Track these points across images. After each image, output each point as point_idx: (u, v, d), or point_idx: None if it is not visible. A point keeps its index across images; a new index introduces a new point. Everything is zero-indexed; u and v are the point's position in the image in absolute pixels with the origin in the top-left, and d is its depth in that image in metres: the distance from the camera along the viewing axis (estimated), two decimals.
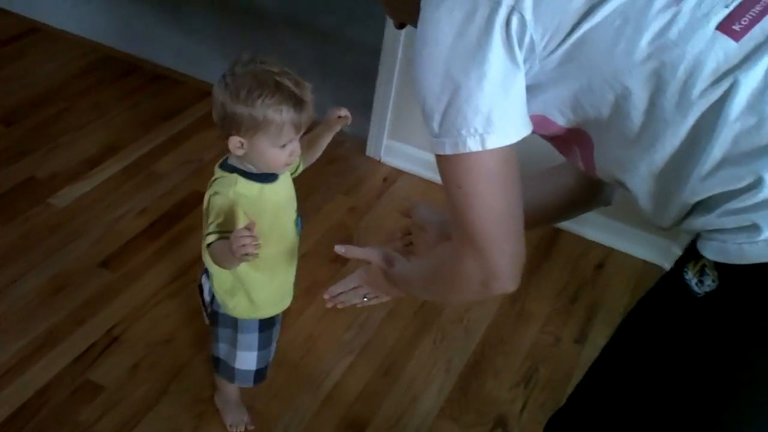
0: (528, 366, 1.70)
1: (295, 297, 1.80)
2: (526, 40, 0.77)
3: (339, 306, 1.18)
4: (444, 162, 0.82)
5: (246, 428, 1.49)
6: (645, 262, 2.02)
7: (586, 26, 0.76)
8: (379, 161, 2.28)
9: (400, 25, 1.02)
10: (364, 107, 2.33)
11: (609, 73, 0.77)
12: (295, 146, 1.15)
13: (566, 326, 1.80)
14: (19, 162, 2.08)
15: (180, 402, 1.53)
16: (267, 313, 1.34)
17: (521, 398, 1.63)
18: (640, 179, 0.81)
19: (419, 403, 1.59)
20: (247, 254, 1.05)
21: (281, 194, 1.24)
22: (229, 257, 1.09)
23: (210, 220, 1.15)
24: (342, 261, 1.92)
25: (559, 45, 0.78)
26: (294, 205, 1.29)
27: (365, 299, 1.16)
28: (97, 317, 1.68)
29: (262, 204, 1.19)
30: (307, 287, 1.79)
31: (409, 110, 2.19)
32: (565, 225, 2.11)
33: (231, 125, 1.12)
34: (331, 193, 2.13)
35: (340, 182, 2.18)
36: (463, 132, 0.78)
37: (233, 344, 1.36)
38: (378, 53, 2.18)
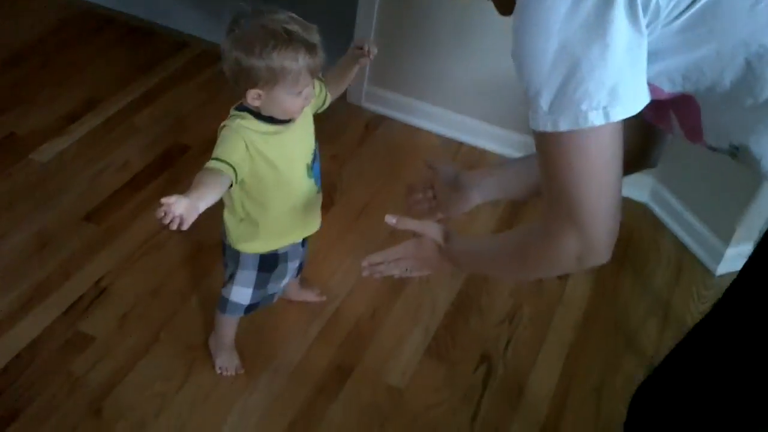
0: (512, 304, 1.74)
1: None
2: (652, 4, 0.74)
3: (376, 276, 1.15)
4: (553, 139, 0.79)
5: (236, 372, 1.51)
6: (627, 199, 2.03)
7: None
8: (360, 107, 2.27)
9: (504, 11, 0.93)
10: (342, 53, 2.31)
11: (745, 33, 0.74)
12: (310, 90, 1.18)
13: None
14: None
15: (171, 349, 1.55)
16: (266, 246, 1.35)
17: (505, 335, 1.67)
18: None
19: (406, 343, 1.62)
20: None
21: (291, 137, 1.25)
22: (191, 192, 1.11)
23: (214, 149, 1.19)
24: (326, 208, 1.93)
25: (687, 8, 0.75)
26: (309, 148, 1.30)
27: (406, 272, 1.14)
28: (84, 270, 1.69)
29: (268, 140, 1.21)
30: None
31: (389, 56, 2.17)
32: None
33: (247, 79, 1.15)
34: None
35: (322, 129, 2.13)
36: (584, 107, 0.76)
37: (232, 279, 1.39)
38: (355, 2, 2.15)
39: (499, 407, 1.53)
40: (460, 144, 2.17)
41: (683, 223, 1.95)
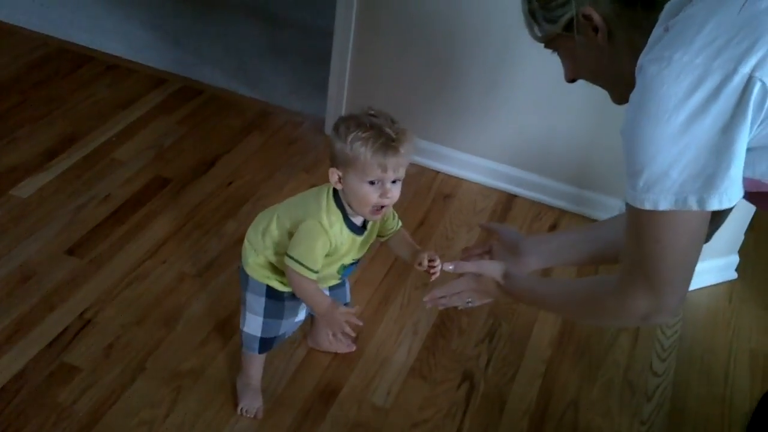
0: (491, 323, 1.79)
1: None
2: (766, 104, 0.78)
3: (440, 307, 1.24)
4: (649, 216, 0.85)
5: (256, 415, 1.51)
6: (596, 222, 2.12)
7: None
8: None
9: (572, 80, 1.04)
10: (320, 88, 2.38)
11: None
12: (388, 190, 1.21)
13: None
14: None
15: (157, 378, 1.56)
16: (275, 284, 1.39)
17: (486, 353, 1.72)
18: None
19: (390, 364, 1.66)
20: (343, 332, 1.26)
21: (350, 245, 1.31)
22: (318, 307, 1.30)
23: (305, 244, 1.26)
24: None
25: None
26: (355, 256, 1.35)
27: (468, 303, 1.23)
28: (68, 302, 1.70)
29: (337, 243, 1.28)
30: None
31: (364, 89, 2.24)
32: (519, 190, 2.20)
33: (333, 160, 1.22)
34: (292, 171, 2.17)
35: (301, 161, 2.23)
36: (684, 191, 0.81)
37: (244, 305, 1.42)
38: (330, 35, 2.23)
39: (481, 423, 1.57)
40: (437, 173, 2.25)
41: None
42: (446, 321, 1.78)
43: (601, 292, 1.01)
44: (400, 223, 1.39)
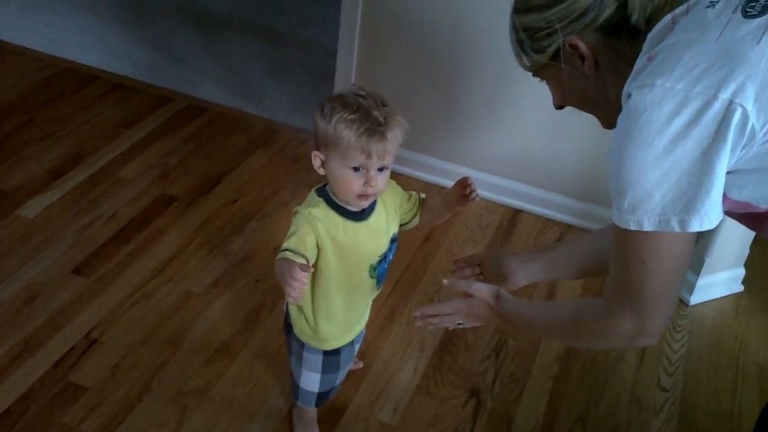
0: (497, 339, 1.78)
1: (270, 291, 1.84)
2: (747, 129, 0.79)
3: (430, 327, 1.24)
4: (634, 237, 0.86)
5: None
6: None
7: None
8: None
9: (560, 107, 1.08)
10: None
11: None
12: (372, 178, 1.11)
13: (531, 300, 1.89)
14: None
15: (163, 397, 1.56)
16: (327, 345, 1.34)
17: (493, 369, 1.71)
18: None
19: (396, 382, 1.65)
20: (289, 296, 1.06)
21: (361, 237, 1.20)
22: (281, 280, 1.10)
23: (286, 237, 1.16)
24: None
25: None
26: (378, 250, 1.24)
27: (459, 325, 1.23)
28: (74, 322, 1.70)
29: (337, 231, 1.18)
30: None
31: None
32: (524, 205, 2.20)
33: (315, 140, 1.15)
34: (297, 188, 2.18)
35: (306, 178, 2.23)
36: (667, 213, 0.83)
37: (299, 360, 1.36)
38: (334, 53, 2.24)
39: None
40: (441, 188, 2.25)
41: None
42: (452, 337, 1.77)
43: (587, 315, 1.01)
44: (422, 195, 1.29)
